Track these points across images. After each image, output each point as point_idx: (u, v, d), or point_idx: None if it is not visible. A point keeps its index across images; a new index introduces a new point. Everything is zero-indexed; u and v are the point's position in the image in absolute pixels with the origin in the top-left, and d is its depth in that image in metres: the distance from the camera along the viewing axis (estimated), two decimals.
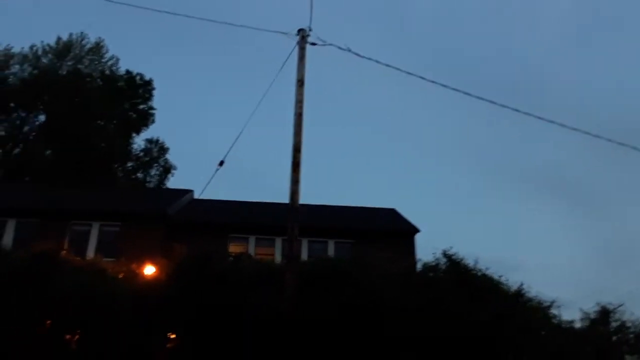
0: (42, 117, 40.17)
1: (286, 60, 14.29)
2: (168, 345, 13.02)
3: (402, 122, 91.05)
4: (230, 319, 12.13)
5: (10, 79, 40.22)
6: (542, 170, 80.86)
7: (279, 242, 22.55)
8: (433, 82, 14.23)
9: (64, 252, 14.90)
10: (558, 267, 54.85)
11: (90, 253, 20.52)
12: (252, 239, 23.06)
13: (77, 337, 12.74)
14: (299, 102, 14.83)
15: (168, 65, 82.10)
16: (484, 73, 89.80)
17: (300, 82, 15.04)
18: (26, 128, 40.02)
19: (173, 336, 13.05)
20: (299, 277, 13.15)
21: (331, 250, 22.39)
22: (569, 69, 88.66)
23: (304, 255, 20.72)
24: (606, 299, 15.77)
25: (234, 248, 20.59)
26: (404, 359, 11.80)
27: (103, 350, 11.78)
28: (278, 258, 21.13)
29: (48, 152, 38.96)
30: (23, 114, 39.41)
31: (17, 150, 39.32)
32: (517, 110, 14.25)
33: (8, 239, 21.05)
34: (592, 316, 15.19)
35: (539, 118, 14.13)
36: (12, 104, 38.01)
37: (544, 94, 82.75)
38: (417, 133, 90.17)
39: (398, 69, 14.24)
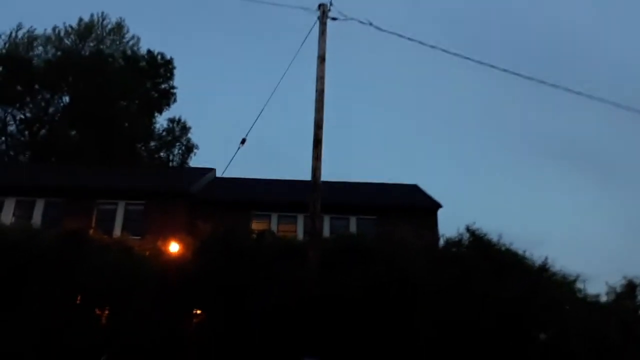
0: (66, 99, 40.75)
1: (307, 35, 14.17)
2: (194, 321, 13.28)
3: (423, 97, 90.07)
4: (254, 295, 12.30)
5: (34, 61, 40.73)
6: (566, 142, 79.51)
7: (300, 219, 22.69)
8: (456, 54, 14.02)
9: (92, 230, 15.22)
10: (583, 241, 54.23)
11: (117, 231, 20.92)
12: (274, 216, 23.22)
13: (106, 312, 13.10)
14: (320, 79, 14.73)
15: (188, 44, 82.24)
16: (509, 45, 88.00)
17: (322, 58, 14.92)
18: (51, 109, 40.65)
19: (199, 312, 13.30)
20: (321, 254, 13.24)
21: (353, 226, 22.44)
22: (599, 38, 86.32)
23: (326, 232, 20.80)
24: (633, 273, 15.54)
25: (256, 225, 20.77)
26: (429, 334, 11.84)
27: (131, 325, 12.08)
28: (300, 235, 21.28)
29: (73, 132, 39.60)
30: (48, 96, 39.99)
31: (43, 132, 40.02)
32: (542, 82, 13.98)
33: (37, 218, 21.57)
34: (618, 290, 15.01)
35: (567, 90, 13.84)
36: (36, 86, 38.56)
37: (572, 65, 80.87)
38: (439, 107, 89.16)
39: (421, 42, 14.03)
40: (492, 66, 13.95)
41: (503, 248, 13.81)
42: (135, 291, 12.75)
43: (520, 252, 13.83)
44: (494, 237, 13.94)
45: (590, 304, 13.82)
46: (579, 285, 13.97)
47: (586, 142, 79.53)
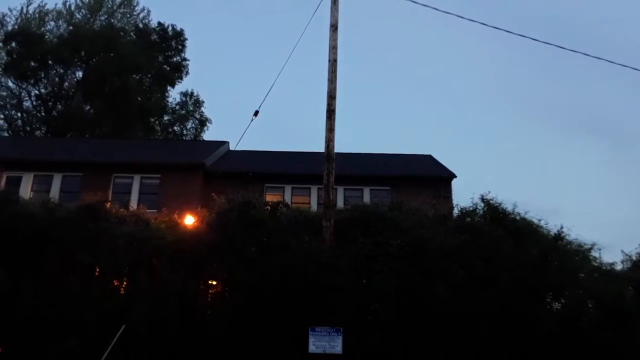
0: (80, 74, 40.88)
1: (319, 3, 13.95)
2: (211, 291, 13.49)
3: (438, 66, 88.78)
4: (270, 266, 12.42)
5: (47, 37, 40.75)
6: (582, 111, 78.23)
7: (314, 191, 22.78)
8: (472, 20, 13.78)
9: (109, 204, 15.38)
10: (599, 210, 53.85)
11: (133, 204, 21.16)
12: (288, 188, 23.33)
13: (124, 283, 13.34)
14: (333, 48, 14.63)
15: (199, 16, 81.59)
16: (523, 10, 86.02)
17: (334, 27, 14.79)
18: (66, 84, 40.83)
19: (215, 282, 13.49)
20: (335, 224, 13.33)
21: (367, 197, 22.49)
22: (613, 3, 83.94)
23: (340, 203, 20.89)
24: None
25: (270, 197, 20.87)
26: (445, 300, 11.90)
27: (150, 296, 12.29)
28: (314, 206, 21.39)
29: (88, 107, 39.82)
30: (61, 71, 40.10)
31: (58, 107, 40.29)
32: (561, 47, 13.70)
33: (55, 192, 21.93)
34: (634, 258, 14.94)
35: (585, 54, 13.55)
36: (50, 61, 38.66)
37: (587, 31, 79.02)
38: (453, 77, 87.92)
39: (435, 8, 13.77)
40: (509, 32, 13.73)
41: (518, 217, 13.76)
42: (152, 263, 12.94)
43: (535, 221, 13.79)
44: (508, 206, 13.91)
45: (606, 272, 13.78)
46: (594, 253, 13.94)
47: (602, 110, 78.21)
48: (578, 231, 13.83)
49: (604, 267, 13.90)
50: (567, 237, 13.56)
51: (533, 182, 64.05)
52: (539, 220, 13.78)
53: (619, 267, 14.51)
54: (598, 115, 79.14)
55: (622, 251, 15.08)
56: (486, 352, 11.87)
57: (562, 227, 13.56)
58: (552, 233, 13.56)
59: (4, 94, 40.37)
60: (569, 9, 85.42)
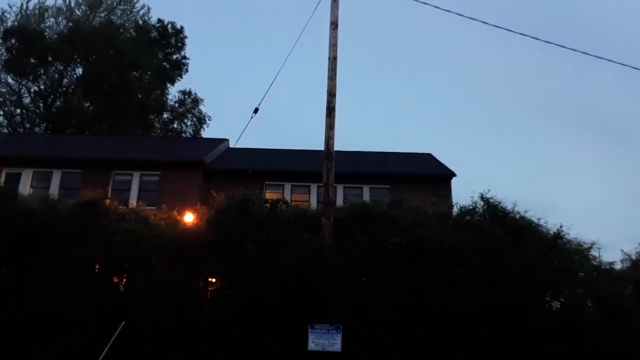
0: (79, 70, 40.79)
1: (320, 1, 13.93)
2: (210, 289, 13.47)
3: (438, 65, 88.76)
4: (269, 263, 12.41)
5: (46, 33, 40.65)
6: (582, 107, 78.28)
7: (314, 189, 22.77)
8: (472, 19, 13.76)
9: (108, 201, 15.35)
10: (600, 208, 53.87)
11: (133, 201, 21.14)
12: (287, 186, 23.33)
13: (124, 280, 13.32)
14: (333, 46, 14.62)
15: (199, 13, 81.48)
16: (525, 8, 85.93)
17: (334, 25, 14.79)
18: (65, 81, 40.75)
19: (214, 280, 13.47)
20: (334, 222, 13.32)
21: (366, 195, 22.49)
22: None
23: (339, 201, 20.87)
24: None
25: (270, 195, 20.84)
26: (443, 298, 11.90)
27: (149, 293, 12.27)
28: (313, 204, 21.38)
29: (87, 104, 39.75)
30: (61, 67, 40.02)
31: (58, 104, 40.22)
32: (561, 46, 13.67)
33: (54, 188, 21.90)
34: (634, 257, 14.95)
35: (585, 53, 13.54)
36: (49, 58, 38.57)
37: (588, 28, 78.95)
38: (454, 75, 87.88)
39: (436, 6, 13.75)
40: (508, 30, 13.69)
41: (517, 216, 13.76)
42: (151, 260, 12.92)
43: (534, 220, 13.79)
44: (508, 205, 13.91)
45: (605, 272, 13.78)
46: (594, 252, 13.94)
47: (602, 106, 78.26)
48: (577, 230, 13.89)
49: (603, 266, 13.90)
50: (566, 236, 13.58)
51: (533, 180, 64.16)
52: (539, 219, 13.80)
53: (618, 266, 14.53)
54: (599, 112, 79.22)
55: (622, 250, 15.11)
56: (485, 350, 11.88)
57: (561, 226, 13.59)
58: (551, 232, 13.57)
59: (4, 90, 40.31)
60: (569, 3, 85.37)
